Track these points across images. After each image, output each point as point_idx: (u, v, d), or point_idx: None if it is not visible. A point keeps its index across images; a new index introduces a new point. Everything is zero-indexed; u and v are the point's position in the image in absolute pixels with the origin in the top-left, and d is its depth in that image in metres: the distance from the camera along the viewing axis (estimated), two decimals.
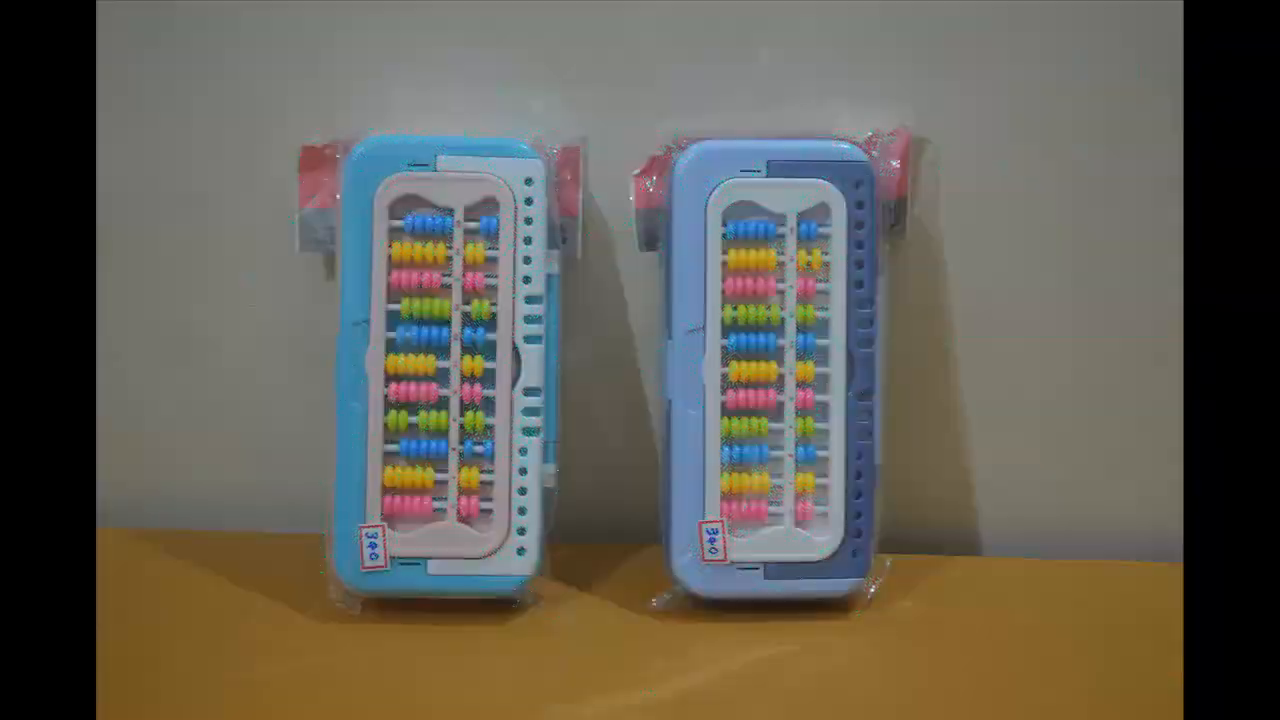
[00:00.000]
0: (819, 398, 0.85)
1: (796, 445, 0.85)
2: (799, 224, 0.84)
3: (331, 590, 0.84)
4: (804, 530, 0.84)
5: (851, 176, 0.84)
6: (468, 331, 0.84)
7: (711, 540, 0.83)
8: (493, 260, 0.84)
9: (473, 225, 0.84)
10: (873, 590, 0.86)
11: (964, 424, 0.95)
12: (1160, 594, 0.85)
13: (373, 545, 0.83)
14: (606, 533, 0.94)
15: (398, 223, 0.83)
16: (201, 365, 0.95)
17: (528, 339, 0.84)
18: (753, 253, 0.84)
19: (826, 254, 0.84)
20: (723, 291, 0.84)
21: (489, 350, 0.84)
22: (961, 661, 0.80)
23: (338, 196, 0.84)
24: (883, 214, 0.86)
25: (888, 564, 0.88)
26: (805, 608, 0.84)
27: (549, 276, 0.84)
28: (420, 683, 0.77)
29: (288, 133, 0.89)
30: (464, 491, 0.84)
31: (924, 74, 0.90)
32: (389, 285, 0.83)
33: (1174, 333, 0.90)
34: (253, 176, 0.92)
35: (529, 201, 0.84)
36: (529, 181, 0.84)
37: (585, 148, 0.89)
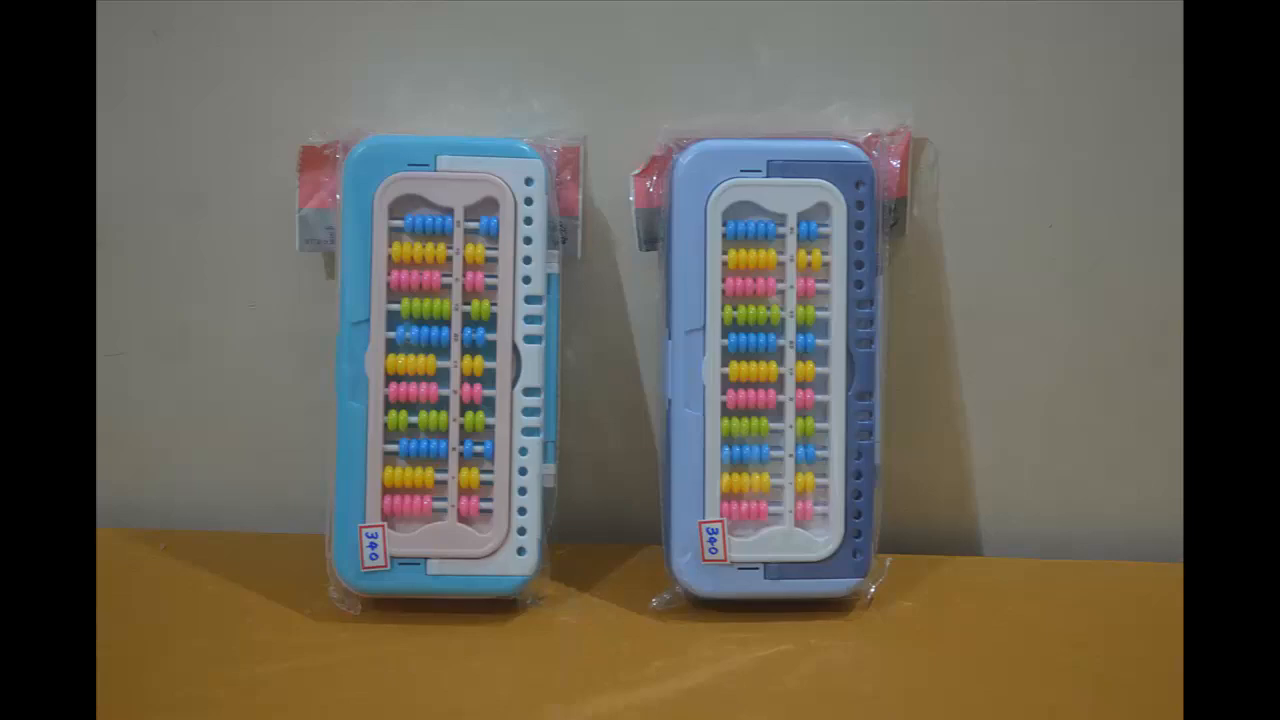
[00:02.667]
0: (819, 398, 0.85)
1: (796, 445, 0.85)
2: (799, 224, 0.84)
3: (331, 590, 0.84)
4: (804, 530, 0.85)
5: (851, 176, 0.84)
6: (467, 331, 0.84)
7: (711, 540, 0.83)
8: (493, 260, 0.84)
9: (473, 225, 0.84)
10: (873, 590, 0.86)
11: (964, 424, 0.95)
12: (1160, 594, 0.86)
13: (373, 545, 0.82)
14: (606, 533, 0.94)
15: (398, 223, 0.84)
16: (202, 365, 0.95)
17: (528, 339, 0.84)
18: (753, 253, 0.84)
19: (826, 254, 0.84)
20: (723, 291, 0.84)
21: (489, 350, 0.84)
22: (961, 661, 0.80)
23: (338, 196, 0.84)
24: (882, 214, 0.86)
25: (887, 564, 0.88)
26: (805, 608, 0.84)
27: (549, 276, 0.84)
28: (420, 683, 0.77)
29: (288, 133, 0.89)
30: (464, 491, 0.84)
31: (924, 74, 0.90)
32: (389, 285, 0.83)
33: (1174, 333, 0.90)
34: (253, 176, 0.92)
35: (529, 201, 0.84)
36: (529, 181, 0.84)
37: (585, 147, 0.89)
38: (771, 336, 0.84)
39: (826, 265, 0.85)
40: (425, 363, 0.83)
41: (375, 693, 0.76)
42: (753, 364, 0.84)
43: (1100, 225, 0.92)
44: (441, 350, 0.84)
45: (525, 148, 0.84)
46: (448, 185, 0.84)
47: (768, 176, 0.84)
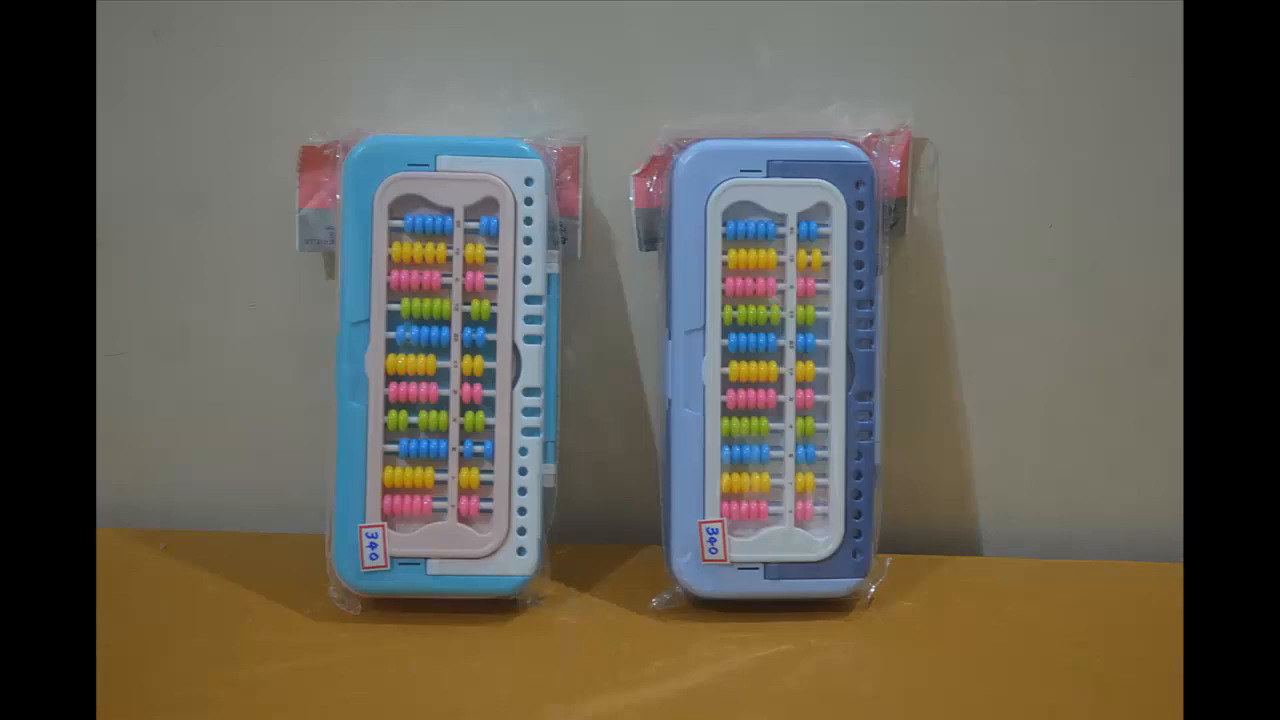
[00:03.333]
0: (819, 398, 0.85)
1: (796, 445, 0.85)
2: (799, 224, 0.84)
3: (331, 590, 0.84)
4: (804, 530, 0.85)
5: (851, 176, 0.84)
6: (467, 331, 0.84)
7: (711, 540, 0.83)
8: (493, 260, 0.84)
9: (473, 225, 0.84)
10: (873, 590, 0.86)
11: (964, 424, 0.95)
12: (1160, 594, 0.86)
13: (373, 545, 0.83)
14: (607, 533, 0.94)
15: (398, 223, 0.84)
16: (202, 365, 0.95)
17: (528, 339, 0.84)
18: (753, 252, 0.84)
19: (826, 254, 0.84)
20: (723, 291, 0.84)
21: (489, 350, 0.84)
22: (961, 661, 0.80)
23: (338, 196, 0.84)
24: (882, 214, 0.86)
25: (887, 564, 0.88)
26: (805, 607, 0.84)
27: (549, 276, 0.84)
28: (420, 683, 0.77)
29: (288, 133, 0.89)
30: (464, 491, 0.84)
31: (924, 74, 0.90)
32: (389, 285, 0.83)
33: (1174, 333, 0.90)
34: (253, 176, 0.92)
35: (529, 201, 0.84)
36: (529, 181, 0.84)
37: (585, 147, 0.89)
38: (771, 336, 0.84)
39: (826, 265, 0.85)
40: (425, 363, 0.83)
41: (375, 693, 0.76)
42: (753, 364, 0.84)
43: (1100, 225, 0.92)
44: (441, 350, 0.84)
45: (525, 148, 0.84)
46: (448, 185, 0.84)
47: (768, 176, 0.84)
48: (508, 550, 0.83)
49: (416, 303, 0.83)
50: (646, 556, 0.91)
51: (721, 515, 0.84)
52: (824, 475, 0.85)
